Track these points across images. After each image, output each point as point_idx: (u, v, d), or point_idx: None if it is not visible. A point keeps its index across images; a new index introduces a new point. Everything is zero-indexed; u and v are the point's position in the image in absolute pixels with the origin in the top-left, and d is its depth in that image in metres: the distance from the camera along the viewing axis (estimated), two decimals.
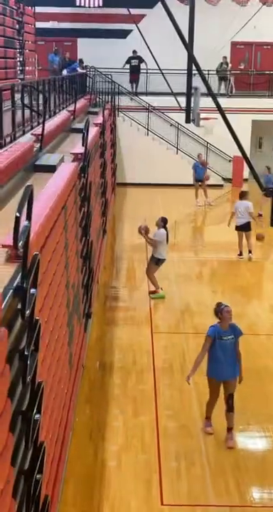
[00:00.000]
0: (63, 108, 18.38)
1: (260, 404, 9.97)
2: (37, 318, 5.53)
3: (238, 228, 17.18)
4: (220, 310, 9.04)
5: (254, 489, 8.04)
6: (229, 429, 9.03)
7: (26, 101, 12.66)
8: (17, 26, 22.68)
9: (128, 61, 28.96)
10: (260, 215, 19.23)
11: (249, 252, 17.14)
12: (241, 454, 8.78)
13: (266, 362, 11.46)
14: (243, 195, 17.42)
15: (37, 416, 5.40)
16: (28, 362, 5.13)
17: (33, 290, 5.23)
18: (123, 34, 30.01)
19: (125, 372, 10.98)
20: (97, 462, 8.47)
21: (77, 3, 28.57)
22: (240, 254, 17.25)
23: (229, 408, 9.00)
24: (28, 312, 5.08)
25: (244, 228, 17.04)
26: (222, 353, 8.95)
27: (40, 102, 13.57)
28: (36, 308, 5.61)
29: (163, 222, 14.54)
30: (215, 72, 28.79)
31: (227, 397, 9.03)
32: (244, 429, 9.39)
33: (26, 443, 5.18)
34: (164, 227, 14.47)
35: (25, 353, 5.13)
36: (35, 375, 5.44)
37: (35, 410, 5.35)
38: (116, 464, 8.44)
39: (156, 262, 14.51)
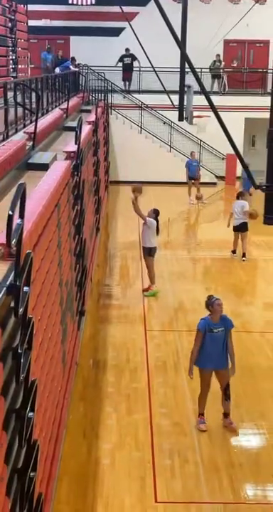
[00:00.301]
0: (56, 106, 18.36)
1: (253, 402, 10.00)
2: (30, 316, 5.52)
3: (234, 229, 17.07)
4: (211, 303, 9.13)
5: (248, 486, 8.06)
6: (227, 415, 9.23)
7: (19, 99, 12.64)
8: (9, 24, 22.65)
9: (121, 59, 28.93)
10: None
11: (243, 255, 16.95)
12: (234, 451, 8.80)
13: (259, 359, 11.48)
14: (240, 195, 17.36)
15: (30, 414, 5.40)
16: (22, 360, 5.13)
17: (26, 288, 5.23)
18: (116, 32, 29.98)
19: (119, 370, 10.98)
20: (91, 460, 8.47)
21: (70, 1, 28.54)
22: (234, 252, 17.23)
23: (227, 397, 9.17)
24: (21, 310, 5.08)
25: (240, 229, 16.89)
26: (213, 344, 9.03)
27: (33, 100, 13.55)
28: (29, 306, 5.60)
29: (154, 214, 14.58)
30: (207, 70, 28.80)
31: (223, 388, 9.17)
32: (238, 426, 9.39)
33: (20, 441, 5.18)
34: (156, 218, 14.51)
35: (19, 351, 5.13)
36: (28, 373, 5.44)
37: (28, 408, 5.35)
38: (110, 461, 8.45)
39: (148, 252, 14.54)
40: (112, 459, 8.51)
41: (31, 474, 5.45)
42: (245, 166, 9.65)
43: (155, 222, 14.48)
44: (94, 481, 8.03)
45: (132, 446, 8.80)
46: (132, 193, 14.63)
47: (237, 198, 17.37)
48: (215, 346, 9.04)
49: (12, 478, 5.00)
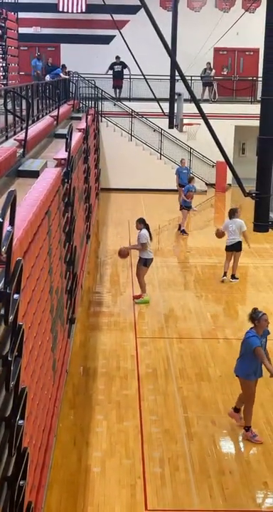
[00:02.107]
0: (46, 113, 18.37)
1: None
2: (20, 323, 5.51)
3: (229, 248, 16.06)
4: (257, 318, 9.09)
5: (239, 493, 8.05)
6: (238, 410, 9.44)
7: (9, 106, 12.64)
8: (0, 32, 22.65)
9: (111, 67, 29.00)
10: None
11: (233, 276, 16.15)
12: (225, 458, 8.80)
13: None
14: (234, 213, 16.13)
15: (20, 422, 5.37)
16: (12, 367, 5.11)
17: (16, 295, 5.22)
18: (106, 40, 30.04)
19: (109, 378, 10.96)
20: (81, 468, 8.45)
21: (60, 9, 28.57)
22: (225, 274, 16.25)
23: None
24: (11, 317, 5.06)
25: (235, 248, 16.00)
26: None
27: (23, 107, 13.55)
28: (19, 313, 5.59)
29: (142, 224, 14.53)
30: (198, 78, 28.90)
31: None
32: (228, 433, 9.41)
33: (10, 449, 5.16)
34: (145, 227, 14.46)
35: (9, 358, 5.11)
36: (18, 381, 5.42)
37: (18, 416, 5.33)
38: (100, 469, 8.42)
39: (144, 263, 14.51)
40: (102, 466, 8.49)
41: (21, 482, 5.42)
42: (235, 174, 9.66)
43: (146, 232, 14.39)
44: (85, 489, 8.01)
45: (122, 453, 8.78)
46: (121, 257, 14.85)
47: (231, 216, 16.18)
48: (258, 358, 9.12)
49: (2, 486, 4.97)
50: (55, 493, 7.87)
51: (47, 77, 25.61)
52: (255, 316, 9.12)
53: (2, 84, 21.28)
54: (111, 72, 29.02)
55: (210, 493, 7.98)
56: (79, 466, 8.49)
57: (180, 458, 8.70)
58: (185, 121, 23.99)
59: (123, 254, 14.70)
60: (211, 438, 9.19)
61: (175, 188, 24.46)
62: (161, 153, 28.04)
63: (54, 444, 8.58)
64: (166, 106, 25.04)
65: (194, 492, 8.02)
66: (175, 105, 24.40)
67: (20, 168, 10.71)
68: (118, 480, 8.20)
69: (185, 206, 21.11)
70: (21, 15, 27.49)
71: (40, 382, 7.47)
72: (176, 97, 24.20)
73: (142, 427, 9.41)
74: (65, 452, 8.76)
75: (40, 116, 17.13)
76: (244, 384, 9.24)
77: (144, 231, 14.37)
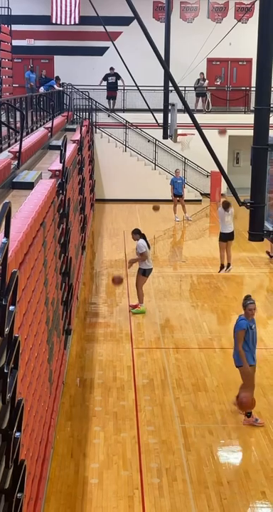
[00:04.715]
0: (40, 125, 18.40)
1: (240, 419, 9.97)
2: (16, 335, 5.50)
3: (224, 237, 16.97)
4: (245, 304, 9.72)
5: (237, 504, 8.03)
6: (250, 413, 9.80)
7: (3, 118, 12.67)
8: None
9: (105, 78, 29.09)
10: None
11: (228, 265, 17.15)
12: (223, 468, 8.78)
13: None
14: (228, 205, 16.85)
15: (17, 434, 5.36)
16: (8, 380, 5.11)
17: (12, 307, 5.22)
18: (100, 51, 30.14)
19: (106, 389, 10.94)
20: (79, 480, 8.42)
21: (54, 21, 28.65)
22: (223, 266, 17.24)
23: None
24: (7, 329, 5.06)
25: (231, 237, 17.01)
26: (252, 341, 9.69)
27: (18, 119, 13.57)
28: (15, 325, 5.58)
29: (138, 234, 14.57)
30: (191, 89, 29.01)
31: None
32: (226, 443, 9.39)
33: (7, 461, 5.14)
34: (141, 237, 14.50)
35: (5, 370, 5.11)
36: (15, 393, 5.41)
37: (15, 428, 5.31)
38: (98, 481, 8.39)
39: (143, 273, 14.53)
40: (100, 478, 8.46)
41: (18, 495, 5.40)
42: (229, 183, 9.68)
43: (144, 241, 14.43)
44: (82, 500, 7.98)
45: (120, 465, 8.75)
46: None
47: (226, 207, 16.88)
48: (253, 343, 9.67)
49: None
50: (52, 506, 7.84)
51: (42, 89, 25.66)
52: (243, 303, 9.73)
53: None
54: (105, 83, 29.11)
55: (208, 504, 7.96)
56: (76, 478, 8.46)
57: (177, 468, 8.68)
58: (179, 131, 24.05)
59: (117, 281, 14.21)
60: (208, 448, 9.17)
61: (170, 198, 24.54)
62: (155, 164, 28.10)
63: (51, 456, 8.55)
64: (159, 116, 25.19)
65: (192, 503, 8.00)
66: (169, 116, 24.53)
67: (14, 180, 10.72)
68: (116, 491, 8.17)
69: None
70: (15, 27, 27.57)
71: (36, 394, 7.46)
72: (170, 107, 24.31)
73: (139, 438, 9.39)
74: (62, 464, 8.73)
75: (35, 128, 17.16)
76: (240, 372, 9.68)
77: (141, 241, 14.40)
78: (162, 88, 25.17)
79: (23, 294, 6.71)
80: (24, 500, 5.78)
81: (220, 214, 17.18)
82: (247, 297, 9.85)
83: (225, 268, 17.20)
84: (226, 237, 17.05)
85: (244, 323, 9.61)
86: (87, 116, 27.73)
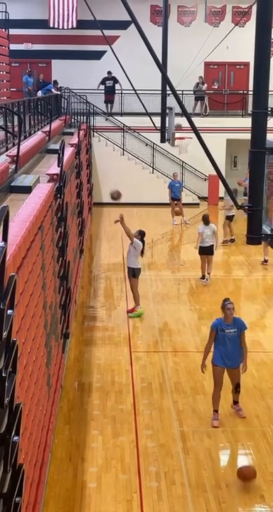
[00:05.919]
0: (38, 129, 18.41)
1: (239, 422, 9.98)
2: (14, 339, 5.50)
3: (203, 251, 16.95)
4: (223, 305, 9.85)
5: (235, 507, 8.02)
6: (236, 403, 10.09)
7: (1, 122, 12.67)
8: None
9: (103, 82, 29.11)
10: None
11: (208, 274, 17.08)
12: (221, 472, 8.77)
13: (245, 379, 11.44)
14: (208, 219, 17.14)
15: (15, 438, 5.35)
16: (6, 384, 5.10)
17: (10, 311, 5.21)
18: (97, 55, 30.16)
19: (104, 393, 10.93)
20: (77, 484, 8.40)
21: (51, 25, 28.67)
22: (204, 277, 17.11)
23: (237, 391, 10.01)
24: (5, 333, 5.05)
25: (210, 251, 16.94)
26: (225, 344, 9.71)
27: (15, 123, 13.57)
28: (13, 329, 5.58)
29: (140, 235, 14.65)
30: (189, 93, 29.01)
31: (234, 387, 9.97)
32: (224, 447, 9.38)
33: (5, 466, 5.13)
34: (142, 239, 14.59)
35: (3, 374, 5.10)
36: (13, 397, 5.40)
37: (13, 432, 5.31)
38: (96, 485, 8.38)
39: (132, 274, 14.57)
40: (98, 482, 8.45)
41: (17, 499, 5.39)
42: (227, 187, 9.69)
43: (141, 243, 14.54)
44: (81, 504, 7.96)
45: (118, 468, 8.74)
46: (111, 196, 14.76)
47: (207, 221, 17.07)
48: (226, 346, 9.68)
49: None
50: (51, 510, 7.82)
51: (39, 93, 25.68)
52: (222, 305, 9.92)
53: None
54: (102, 87, 29.13)
55: (207, 507, 7.95)
56: (75, 481, 8.45)
57: (176, 472, 8.67)
58: (177, 135, 24.07)
59: (115, 196, 14.51)
60: (207, 452, 9.16)
61: (168, 201, 24.56)
62: (153, 167, 28.12)
63: (49, 460, 8.54)
64: (157, 120, 25.20)
65: (191, 506, 7.99)
66: (167, 119, 24.55)
67: (12, 184, 10.72)
68: (114, 495, 8.16)
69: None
70: (12, 31, 27.59)
71: (34, 398, 7.45)
72: (168, 111, 24.33)
73: (138, 442, 9.38)
74: (60, 468, 8.72)
75: (32, 131, 17.16)
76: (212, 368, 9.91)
77: (139, 242, 14.51)
78: (160, 92, 25.17)
79: (21, 298, 6.70)
80: (22, 504, 5.77)
81: (200, 229, 17.14)
82: (226, 299, 10.04)
83: (205, 279, 17.05)
84: (204, 251, 17.01)
85: (215, 324, 9.82)
86: (85, 120, 27.74)
